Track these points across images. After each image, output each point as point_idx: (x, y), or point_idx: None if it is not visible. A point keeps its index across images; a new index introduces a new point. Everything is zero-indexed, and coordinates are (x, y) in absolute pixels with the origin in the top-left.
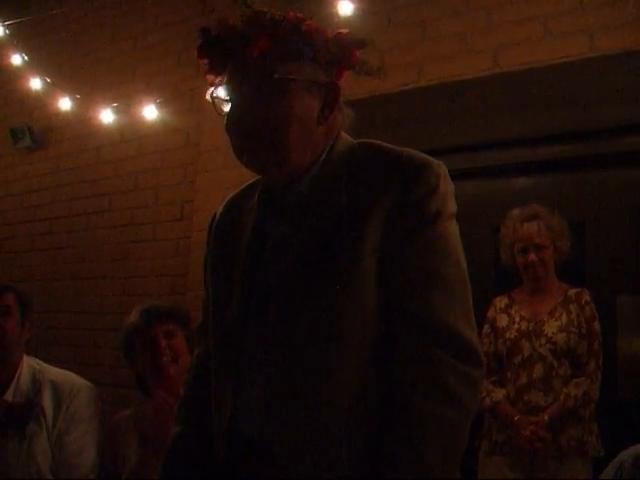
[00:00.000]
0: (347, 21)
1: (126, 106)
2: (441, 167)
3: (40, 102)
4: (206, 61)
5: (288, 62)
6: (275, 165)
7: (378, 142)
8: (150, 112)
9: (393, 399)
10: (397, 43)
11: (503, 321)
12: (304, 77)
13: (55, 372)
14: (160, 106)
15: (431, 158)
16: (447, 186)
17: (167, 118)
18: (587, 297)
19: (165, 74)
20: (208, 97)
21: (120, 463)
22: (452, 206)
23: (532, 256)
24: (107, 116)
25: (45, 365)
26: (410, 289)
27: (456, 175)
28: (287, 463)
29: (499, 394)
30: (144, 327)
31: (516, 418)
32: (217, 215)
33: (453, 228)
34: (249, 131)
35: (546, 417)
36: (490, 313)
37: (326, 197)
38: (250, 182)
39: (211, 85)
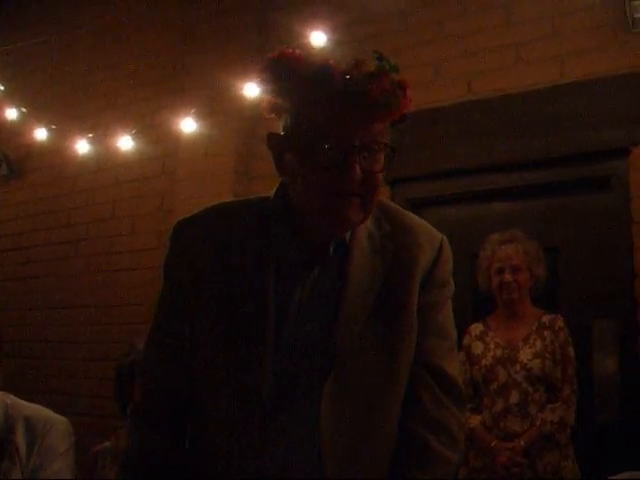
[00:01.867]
0: (321, 52)
1: (102, 136)
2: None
3: (16, 131)
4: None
5: (388, 130)
6: (359, 225)
7: (386, 201)
8: (126, 142)
9: (410, 436)
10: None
11: (478, 348)
12: None
13: (28, 407)
14: (136, 136)
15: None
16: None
17: (143, 147)
18: (561, 323)
19: (142, 103)
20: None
21: None
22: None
23: (507, 277)
24: (83, 146)
25: (18, 400)
26: (432, 348)
27: (431, 202)
28: None
29: (475, 420)
30: None
31: (492, 444)
32: (198, 229)
33: None
34: (360, 193)
35: (522, 442)
36: (466, 341)
37: (362, 252)
38: (239, 204)
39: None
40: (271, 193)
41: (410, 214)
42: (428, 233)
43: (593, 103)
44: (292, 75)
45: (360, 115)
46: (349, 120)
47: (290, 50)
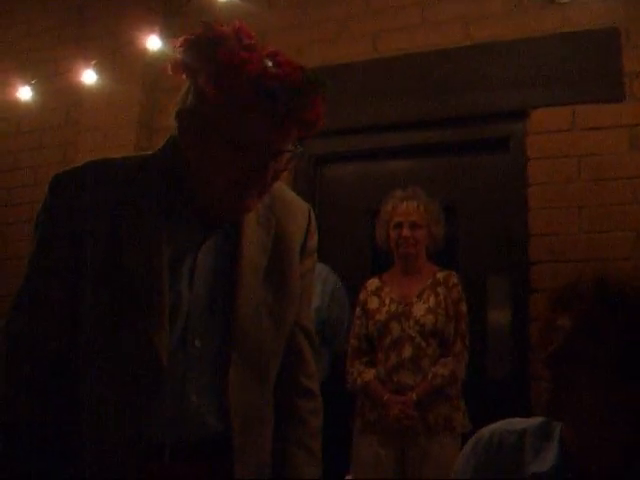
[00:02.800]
0: (227, 5)
1: (1, 85)
2: None
3: None
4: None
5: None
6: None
7: None
8: (25, 92)
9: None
10: (277, 26)
11: (374, 303)
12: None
13: None
14: (36, 86)
15: None
16: None
17: (45, 96)
18: (455, 279)
19: (44, 51)
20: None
21: None
22: None
23: (405, 231)
24: None
25: None
26: (305, 314)
27: (333, 158)
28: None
29: (369, 374)
30: None
31: (385, 397)
32: (77, 182)
33: None
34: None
35: (414, 396)
36: (362, 296)
37: (252, 224)
38: (125, 161)
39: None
40: (156, 150)
41: (282, 185)
42: (298, 204)
43: (494, 65)
44: (210, 61)
45: (283, 126)
46: (270, 127)
47: (212, 31)
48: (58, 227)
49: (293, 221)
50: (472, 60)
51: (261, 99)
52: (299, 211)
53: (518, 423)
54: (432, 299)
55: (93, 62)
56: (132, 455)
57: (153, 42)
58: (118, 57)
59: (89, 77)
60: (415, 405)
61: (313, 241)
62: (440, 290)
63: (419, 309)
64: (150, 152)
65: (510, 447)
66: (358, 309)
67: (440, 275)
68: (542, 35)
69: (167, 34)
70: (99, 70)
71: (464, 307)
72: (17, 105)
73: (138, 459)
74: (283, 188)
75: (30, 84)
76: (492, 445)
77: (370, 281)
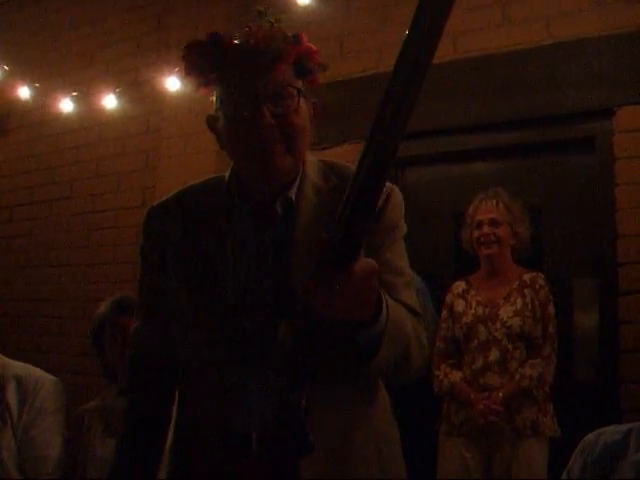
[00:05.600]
0: (306, 9)
1: (85, 95)
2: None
3: None
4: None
5: (296, 78)
6: (289, 170)
7: (330, 160)
8: (110, 101)
9: None
10: (357, 29)
11: (460, 306)
12: (306, 94)
13: (18, 366)
14: (120, 94)
15: None
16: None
17: (127, 105)
18: (541, 281)
19: (125, 59)
20: (214, 100)
21: (83, 453)
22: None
23: (486, 228)
24: (66, 105)
25: (7, 359)
26: (388, 284)
27: (416, 161)
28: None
29: (456, 376)
30: (114, 318)
31: (472, 396)
32: (164, 211)
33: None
34: (280, 138)
35: (500, 394)
36: (448, 298)
37: (311, 207)
38: (200, 184)
39: (201, 86)
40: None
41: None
42: None
43: (578, 64)
44: (206, 59)
45: (252, 67)
46: (246, 75)
47: (202, 39)
48: (151, 249)
49: None
50: (555, 58)
51: (231, 56)
52: None
53: (624, 425)
54: (519, 301)
55: (176, 69)
56: (222, 443)
57: None
58: None
59: (172, 84)
60: (500, 402)
61: (389, 215)
62: (527, 292)
63: (506, 312)
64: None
65: (615, 444)
66: (444, 312)
67: (527, 277)
68: (627, 31)
69: None
70: (181, 76)
71: (552, 309)
72: (100, 114)
73: (227, 448)
74: None
75: (114, 92)
76: (597, 444)
77: (456, 284)
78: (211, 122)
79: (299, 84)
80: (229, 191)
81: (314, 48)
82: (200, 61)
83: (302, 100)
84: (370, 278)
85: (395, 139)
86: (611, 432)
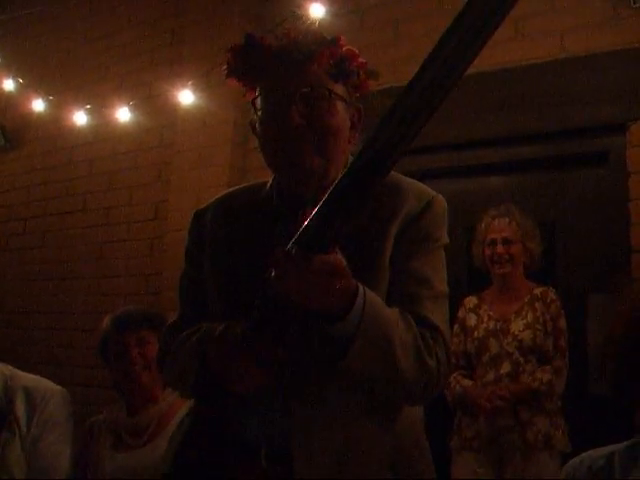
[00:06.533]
0: (319, 25)
1: (99, 107)
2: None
3: (13, 102)
4: (230, 65)
5: (332, 81)
6: (321, 173)
7: None
8: (123, 114)
9: None
10: (370, 44)
11: (472, 320)
12: (345, 97)
13: (27, 378)
14: (133, 107)
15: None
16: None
17: (140, 118)
18: (553, 295)
19: (138, 73)
20: (254, 113)
21: (93, 466)
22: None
23: (500, 248)
24: (80, 118)
25: (16, 371)
26: (409, 295)
27: (429, 175)
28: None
29: (468, 382)
30: (115, 336)
31: (481, 401)
32: (207, 212)
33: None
34: (310, 138)
35: (509, 387)
36: (460, 313)
37: None
38: (243, 186)
39: (249, 91)
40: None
41: (402, 176)
42: (417, 189)
43: (592, 78)
44: (246, 62)
45: (283, 67)
46: (278, 75)
47: (239, 44)
48: (194, 248)
49: (399, 200)
50: (569, 73)
51: (267, 57)
52: (412, 194)
53: (605, 448)
54: (530, 315)
55: (189, 82)
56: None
57: None
58: (212, 78)
59: (186, 97)
60: (509, 400)
61: (426, 224)
62: (538, 306)
63: (517, 325)
64: None
65: (600, 470)
66: (456, 326)
67: (537, 291)
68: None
69: None
70: (194, 90)
71: (563, 323)
72: (113, 127)
73: (236, 454)
74: (402, 177)
75: (128, 105)
76: (581, 471)
77: (468, 299)
78: (251, 125)
79: (335, 87)
80: (269, 194)
81: (355, 51)
82: (239, 63)
83: (339, 103)
84: (327, 275)
85: (387, 152)
86: (594, 457)
